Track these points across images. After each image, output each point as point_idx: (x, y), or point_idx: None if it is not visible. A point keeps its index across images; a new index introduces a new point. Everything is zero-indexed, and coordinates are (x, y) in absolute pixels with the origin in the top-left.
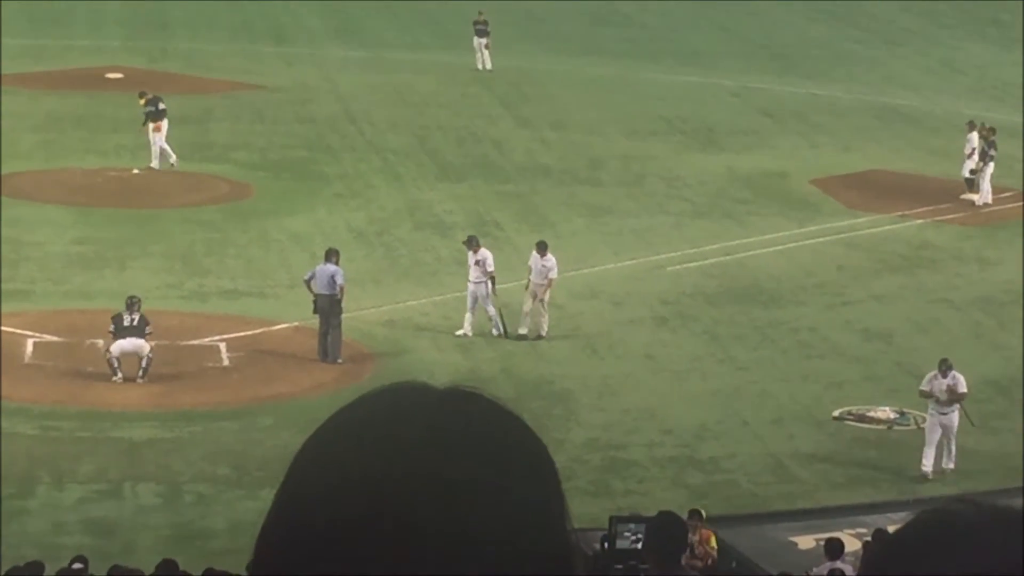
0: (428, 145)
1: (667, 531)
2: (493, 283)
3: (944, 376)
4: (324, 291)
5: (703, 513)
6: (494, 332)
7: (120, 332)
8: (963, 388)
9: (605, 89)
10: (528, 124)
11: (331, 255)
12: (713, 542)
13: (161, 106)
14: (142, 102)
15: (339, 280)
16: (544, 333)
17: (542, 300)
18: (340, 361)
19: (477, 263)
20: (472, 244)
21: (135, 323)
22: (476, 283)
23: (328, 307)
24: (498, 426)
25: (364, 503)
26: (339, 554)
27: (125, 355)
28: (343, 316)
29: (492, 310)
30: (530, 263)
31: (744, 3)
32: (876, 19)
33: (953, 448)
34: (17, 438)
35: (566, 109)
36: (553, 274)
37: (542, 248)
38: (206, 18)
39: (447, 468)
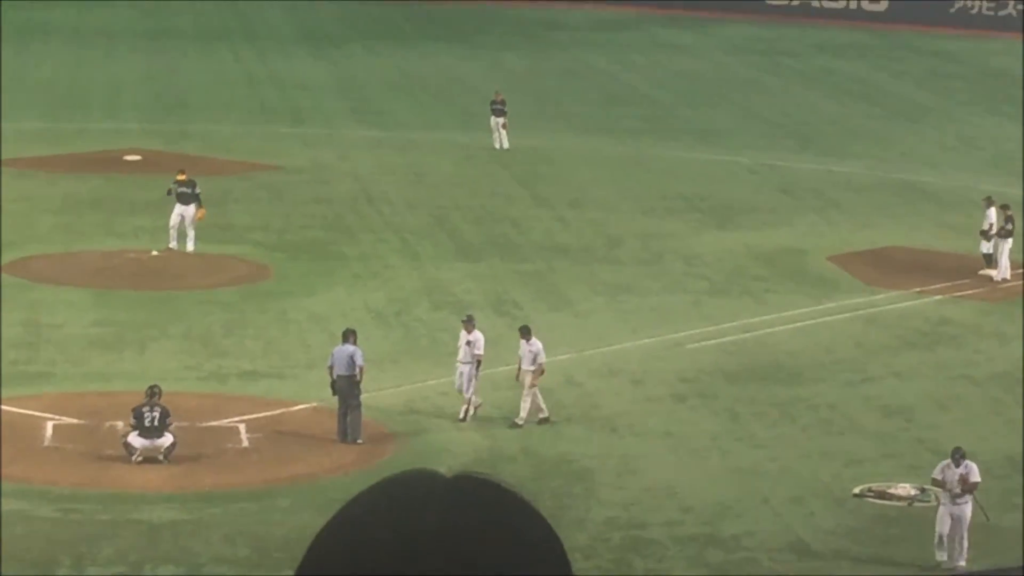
0: (446, 225)
1: None
2: (479, 366)
3: (957, 465)
4: (343, 372)
5: None
6: (461, 415)
7: (141, 431)
8: (976, 477)
9: (622, 167)
10: (546, 203)
11: (349, 335)
12: None
13: (198, 190)
14: (181, 177)
15: (358, 360)
16: (521, 419)
17: (532, 386)
18: (360, 441)
19: (468, 343)
20: (469, 324)
21: (155, 423)
22: (464, 363)
23: (347, 388)
24: (507, 515)
25: None
26: None
27: (146, 451)
28: (362, 396)
29: (469, 393)
30: (519, 352)
31: (760, 81)
32: (892, 96)
33: (966, 543)
34: (37, 521)
35: (583, 187)
36: (541, 358)
37: (526, 333)
38: (223, 100)
39: (456, 563)
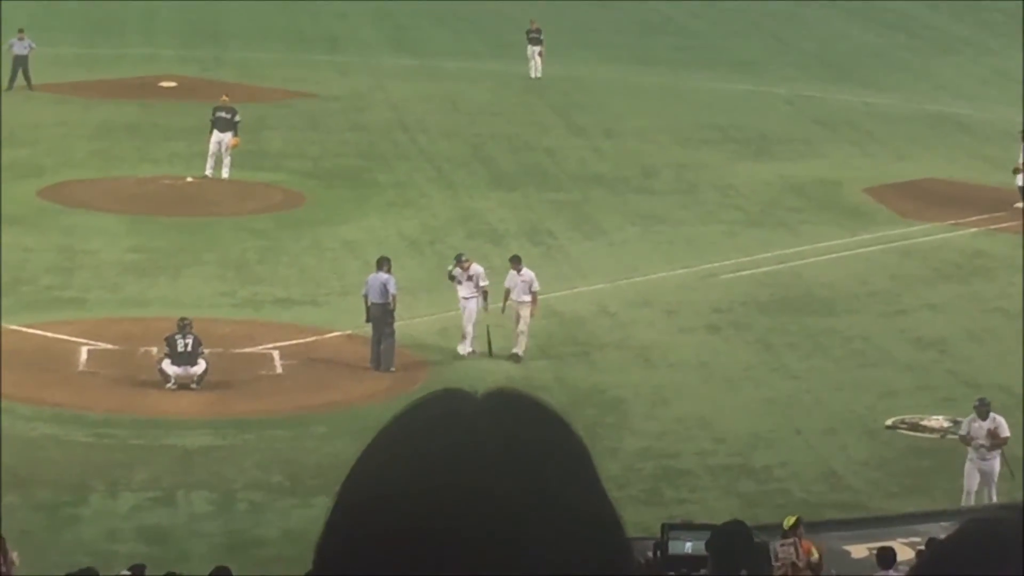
0: (481, 153)
1: (731, 540)
2: (486, 297)
3: (983, 418)
4: (377, 299)
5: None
6: (463, 350)
7: (174, 358)
8: (1006, 432)
9: (658, 97)
10: (581, 132)
11: (383, 263)
12: (815, 554)
13: (237, 118)
14: (225, 99)
15: (391, 288)
16: (520, 352)
17: (531, 316)
18: (393, 369)
19: (469, 278)
20: (460, 262)
21: (188, 348)
22: (467, 299)
23: (380, 316)
24: (538, 430)
25: (414, 514)
26: (393, 564)
27: (179, 378)
28: (396, 324)
29: (469, 329)
30: (506, 283)
31: (797, 12)
32: (929, 28)
33: (994, 497)
34: (71, 445)
35: (619, 117)
36: (535, 287)
37: (516, 263)
38: (259, 27)
39: (492, 478)
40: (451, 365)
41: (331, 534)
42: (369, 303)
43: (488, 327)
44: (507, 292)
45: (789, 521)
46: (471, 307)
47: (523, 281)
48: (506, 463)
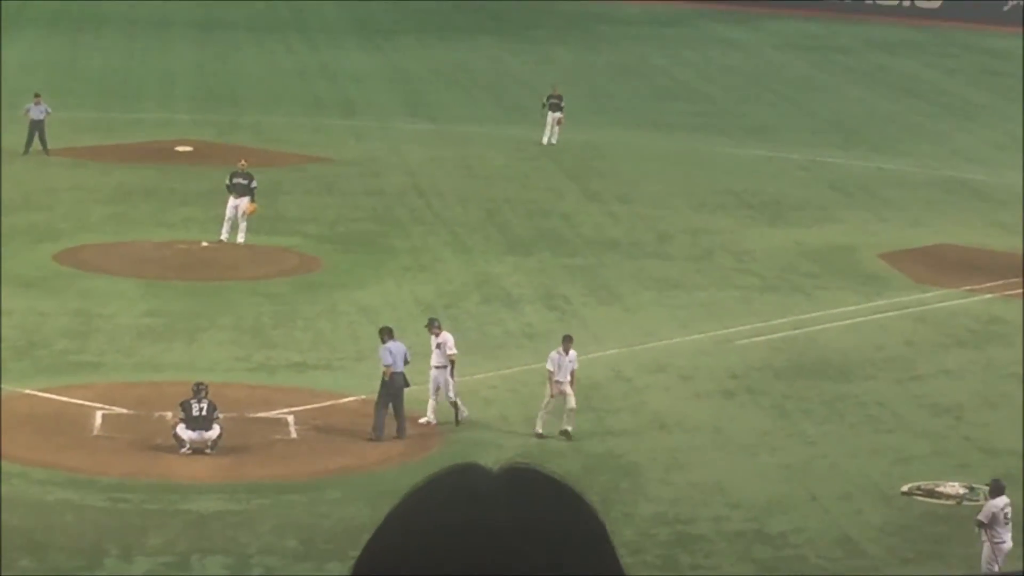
0: (496, 218)
1: None
2: (453, 367)
3: (994, 496)
4: (402, 368)
5: None
6: (458, 417)
7: (189, 422)
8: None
9: (672, 162)
10: (596, 198)
11: (390, 332)
12: None
13: (254, 184)
14: (243, 164)
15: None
16: (571, 429)
17: (569, 395)
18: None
19: (438, 347)
20: (433, 327)
21: (203, 412)
22: (437, 368)
23: (404, 383)
24: (554, 507)
25: None
26: None
27: (194, 443)
28: (408, 389)
29: (453, 395)
30: (551, 365)
31: (812, 77)
32: (945, 93)
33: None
34: (86, 510)
35: (634, 182)
36: (575, 367)
37: (568, 342)
38: (275, 92)
39: (506, 556)
40: (467, 430)
41: None
42: (395, 372)
43: (457, 394)
44: (551, 374)
45: None
46: (437, 376)
47: (569, 362)
48: (521, 541)
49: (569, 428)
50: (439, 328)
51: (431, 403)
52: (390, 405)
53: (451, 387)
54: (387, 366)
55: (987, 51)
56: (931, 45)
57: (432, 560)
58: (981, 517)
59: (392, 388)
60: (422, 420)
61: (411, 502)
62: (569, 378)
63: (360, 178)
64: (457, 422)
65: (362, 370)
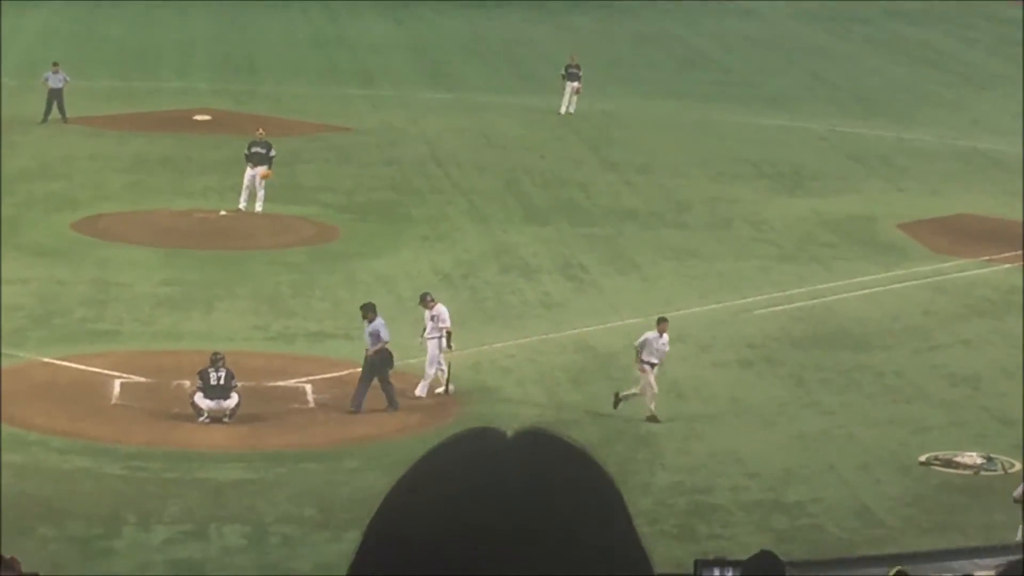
0: (514, 188)
1: (764, 569)
2: (449, 338)
3: None
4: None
5: None
6: (439, 389)
7: (207, 391)
8: None
9: (691, 132)
10: (614, 167)
11: (375, 309)
12: None
13: (272, 152)
14: (261, 132)
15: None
16: (655, 410)
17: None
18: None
19: (432, 319)
20: (426, 301)
21: (221, 381)
22: (431, 339)
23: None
24: (567, 469)
25: (439, 553)
26: None
27: (212, 412)
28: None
29: (444, 366)
30: (639, 342)
31: (831, 47)
32: (963, 63)
33: None
34: (104, 478)
35: (652, 152)
36: (667, 349)
37: (663, 323)
38: (293, 61)
39: (518, 517)
40: (484, 399)
41: (363, 564)
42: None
43: (449, 364)
44: (639, 353)
45: (891, 573)
46: (432, 347)
47: (662, 345)
48: (533, 502)
49: (653, 408)
50: (433, 301)
51: (428, 372)
52: (374, 380)
53: (442, 357)
54: (386, 341)
55: (1007, 21)
56: (950, 15)
57: (440, 520)
58: (1016, 494)
59: (379, 362)
60: (417, 392)
61: (423, 463)
62: (658, 362)
63: (378, 147)
64: (446, 392)
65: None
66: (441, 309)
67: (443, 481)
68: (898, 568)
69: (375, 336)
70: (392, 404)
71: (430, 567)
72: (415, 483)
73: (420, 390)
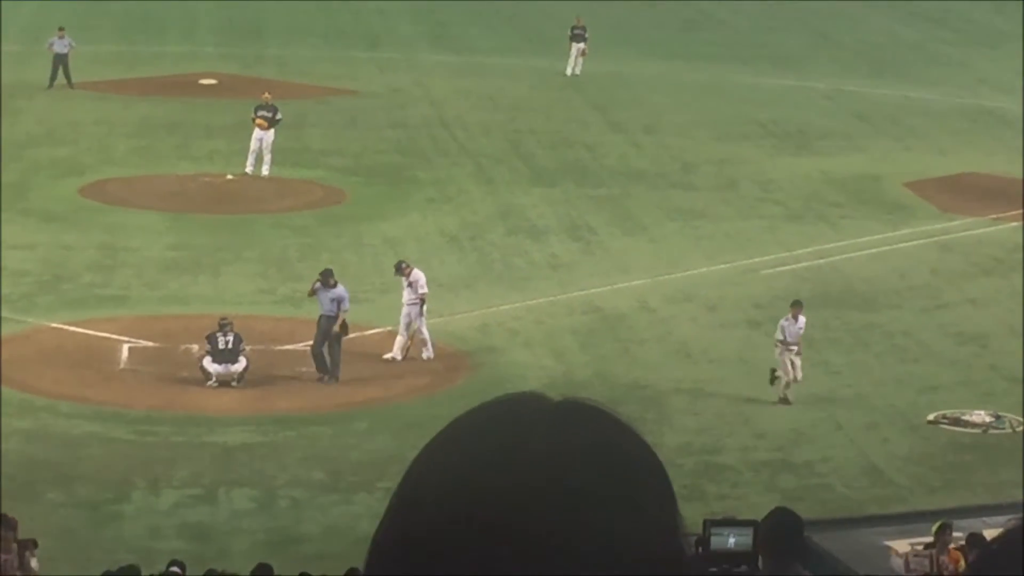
0: (521, 150)
1: (782, 528)
2: (423, 304)
3: None
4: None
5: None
6: (424, 355)
7: (216, 355)
8: None
9: (697, 93)
10: (621, 128)
11: (332, 275)
12: (963, 563)
13: (279, 116)
14: (267, 96)
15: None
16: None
17: (797, 366)
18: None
19: (410, 285)
20: (401, 269)
21: (229, 345)
22: (410, 304)
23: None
24: (613, 437)
25: (481, 512)
26: (455, 563)
27: (220, 376)
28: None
29: (426, 332)
30: (780, 334)
31: (837, 7)
32: (970, 21)
33: None
34: (113, 443)
35: (658, 113)
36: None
37: (798, 307)
38: (299, 24)
39: (564, 478)
40: (492, 361)
41: (389, 526)
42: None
43: (427, 337)
44: (780, 344)
45: (935, 527)
46: (409, 312)
47: (798, 329)
48: (581, 463)
49: (789, 396)
50: (408, 267)
51: (399, 340)
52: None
53: (423, 324)
54: (346, 310)
55: None
56: None
57: (461, 481)
58: None
59: (334, 329)
60: (386, 356)
61: (457, 423)
62: (797, 347)
63: (384, 110)
64: (425, 358)
65: (387, 302)
66: (418, 275)
67: (469, 442)
68: (942, 521)
69: (337, 302)
70: (333, 373)
71: (451, 529)
72: (444, 442)
73: (395, 353)
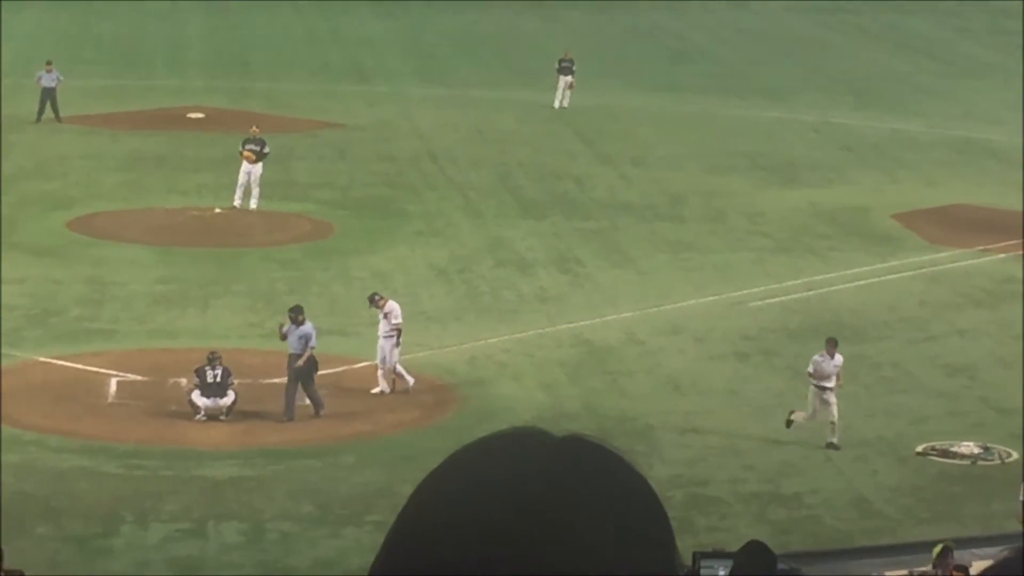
0: (509, 182)
1: (754, 562)
2: (399, 336)
3: None
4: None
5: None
6: (403, 388)
7: (204, 389)
8: None
9: (685, 125)
10: (609, 160)
11: (301, 311)
12: None
13: (266, 149)
14: (255, 130)
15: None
16: (836, 441)
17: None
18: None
19: (385, 316)
20: (375, 301)
21: (218, 379)
22: (385, 337)
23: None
24: (616, 474)
25: (484, 547)
26: None
27: (208, 410)
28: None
29: (399, 366)
30: (813, 368)
31: (824, 38)
32: (956, 53)
33: None
34: (102, 477)
35: (647, 145)
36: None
37: (833, 345)
38: (287, 57)
39: (567, 514)
40: (482, 394)
41: (386, 559)
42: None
43: (400, 370)
44: (812, 379)
45: (936, 550)
46: (384, 345)
47: (835, 366)
48: (582, 499)
49: (835, 440)
50: (383, 299)
51: (380, 373)
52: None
53: (395, 357)
54: (313, 347)
55: (998, 10)
56: (942, 4)
57: (457, 515)
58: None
59: (307, 368)
60: (374, 391)
61: (455, 460)
62: (834, 384)
63: (372, 143)
64: (399, 391)
65: (375, 335)
66: (393, 307)
67: (472, 476)
68: (943, 544)
69: (305, 339)
70: (318, 408)
71: (453, 563)
72: (445, 476)
73: (382, 386)
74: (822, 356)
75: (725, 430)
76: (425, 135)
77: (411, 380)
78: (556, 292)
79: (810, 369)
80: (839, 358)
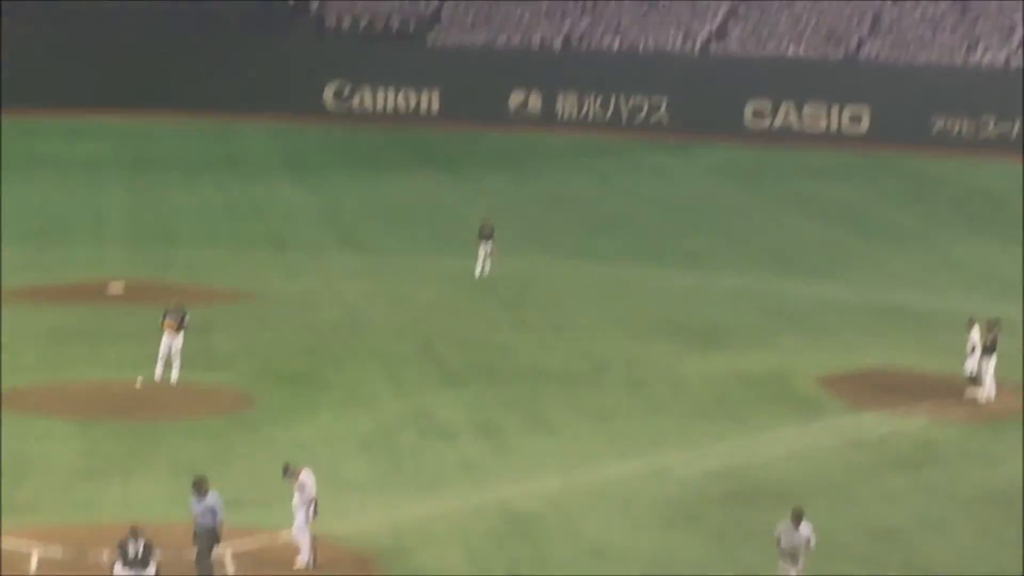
0: (430, 351)
1: None
2: (314, 507)
3: None
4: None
5: None
6: (306, 561)
7: (127, 562)
8: None
9: (606, 291)
10: (530, 328)
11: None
12: None
13: (187, 320)
14: (176, 300)
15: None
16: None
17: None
18: None
19: (300, 488)
20: (288, 474)
21: (140, 554)
22: (297, 507)
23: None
24: None
25: None
26: None
27: None
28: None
29: (300, 539)
30: (779, 535)
31: (744, 204)
32: (875, 219)
33: None
34: None
35: (567, 312)
36: (811, 541)
37: (797, 518)
38: (208, 228)
39: None
40: (406, 566)
41: None
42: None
43: (314, 536)
44: (781, 552)
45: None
46: (299, 517)
47: (803, 538)
48: None
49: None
50: (297, 470)
51: (299, 541)
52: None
53: (307, 529)
54: (222, 521)
55: (915, 175)
56: (860, 169)
57: None
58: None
59: (211, 542)
60: (297, 566)
61: None
62: (798, 557)
63: (294, 313)
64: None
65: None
66: (305, 479)
67: None
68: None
69: (212, 512)
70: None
71: None
72: None
73: (303, 561)
74: (786, 526)
75: None
76: (346, 304)
77: (309, 558)
78: (479, 460)
79: (778, 542)
80: (806, 529)
